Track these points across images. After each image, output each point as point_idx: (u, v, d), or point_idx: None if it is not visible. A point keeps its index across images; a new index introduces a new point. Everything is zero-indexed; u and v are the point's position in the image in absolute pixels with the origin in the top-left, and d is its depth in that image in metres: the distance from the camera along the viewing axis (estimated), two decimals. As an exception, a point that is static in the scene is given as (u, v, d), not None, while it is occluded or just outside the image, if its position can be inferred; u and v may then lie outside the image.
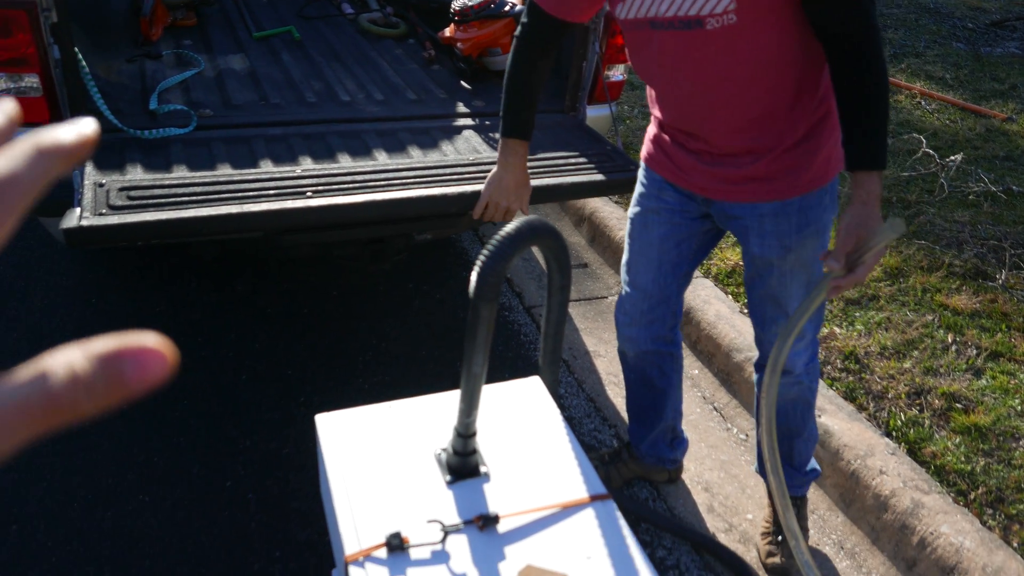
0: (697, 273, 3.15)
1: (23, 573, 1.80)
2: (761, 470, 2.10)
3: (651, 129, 1.82)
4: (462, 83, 2.91)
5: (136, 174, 1.95)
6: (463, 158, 2.28)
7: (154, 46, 2.89)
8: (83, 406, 0.25)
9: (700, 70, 1.53)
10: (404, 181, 2.09)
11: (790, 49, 1.49)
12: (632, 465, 2.20)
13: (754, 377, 2.05)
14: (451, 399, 1.34)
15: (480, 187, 2.13)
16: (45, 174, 0.26)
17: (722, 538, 2.08)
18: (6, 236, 0.26)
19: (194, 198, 1.86)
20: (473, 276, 0.97)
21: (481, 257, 0.96)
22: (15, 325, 2.59)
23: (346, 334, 2.73)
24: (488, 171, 2.23)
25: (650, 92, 1.75)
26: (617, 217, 3.47)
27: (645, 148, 1.86)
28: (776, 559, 1.96)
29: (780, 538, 1.99)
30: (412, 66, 3.04)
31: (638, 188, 1.88)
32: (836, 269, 1.46)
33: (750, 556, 2.03)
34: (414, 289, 3.03)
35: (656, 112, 1.74)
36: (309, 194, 1.96)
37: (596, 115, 2.74)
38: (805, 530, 2.05)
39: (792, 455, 2.01)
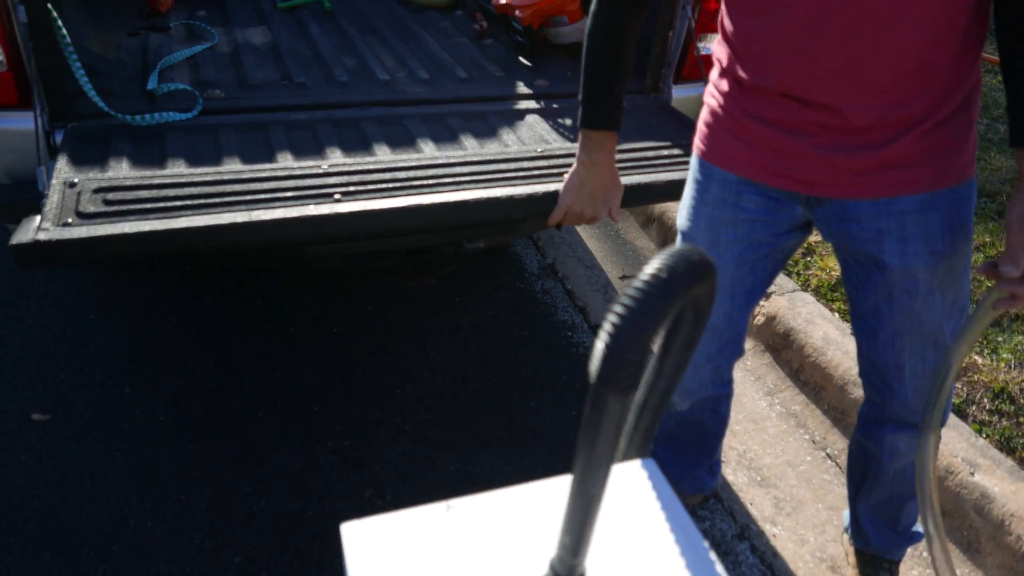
0: (794, 286, 2.66)
1: None
2: (856, 535, 1.76)
3: (716, 108, 1.34)
4: (521, 59, 2.46)
5: (120, 170, 1.54)
6: (529, 149, 1.83)
7: (162, 17, 2.49)
8: None
9: None
10: (457, 179, 1.65)
11: None
12: None
13: (856, 432, 1.64)
14: (529, 497, 0.89)
15: (555, 185, 1.68)
16: None
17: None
18: None
19: (189, 202, 1.44)
20: (597, 354, 0.51)
21: (609, 326, 0.49)
22: (3, 344, 2.22)
23: (382, 359, 2.30)
24: (561, 165, 1.78)
25: (736, 49, 1.26)
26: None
27: (707, 140, 1.38)
28: None
29: None
30: (461, 40, 2.59)
31: (695, 194, 1.41)
32: (1014, 276, 1.13)
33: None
34: (460, 304, 2.59)
35: (745, 74, 1.25)
36: (337, 196, 1.53)
37: (682, 96, 2.27)
38: None
39: (899, 518, 1.66)
